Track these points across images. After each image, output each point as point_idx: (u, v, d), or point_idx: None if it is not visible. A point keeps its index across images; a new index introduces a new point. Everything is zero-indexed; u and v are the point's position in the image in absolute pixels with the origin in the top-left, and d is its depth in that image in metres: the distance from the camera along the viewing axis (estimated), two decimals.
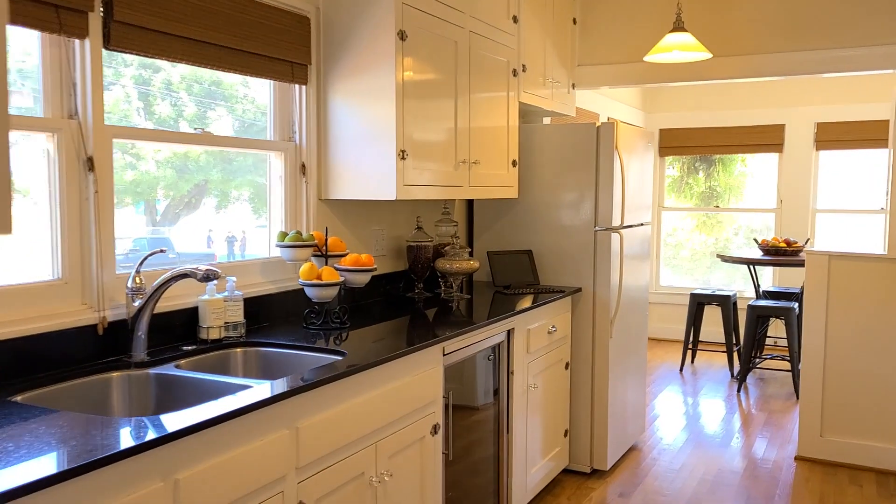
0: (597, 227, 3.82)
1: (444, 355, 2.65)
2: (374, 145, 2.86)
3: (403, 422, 2.39)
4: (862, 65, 3.95)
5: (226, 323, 2.42)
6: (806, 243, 5.92)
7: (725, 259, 5.90)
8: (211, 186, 2.73)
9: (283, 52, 2.73)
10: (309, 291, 2.56)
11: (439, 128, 3.12)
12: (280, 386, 1.88)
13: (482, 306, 3.29)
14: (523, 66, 3.85)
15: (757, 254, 5.95)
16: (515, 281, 3.82)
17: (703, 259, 7.69)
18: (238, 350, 2.38)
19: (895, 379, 3.98)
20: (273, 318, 2.76)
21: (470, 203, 4.20)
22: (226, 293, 2.44)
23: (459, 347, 2.76)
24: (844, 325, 4.08)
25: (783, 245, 5.85)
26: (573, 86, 4.56)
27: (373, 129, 2.86)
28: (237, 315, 2.45)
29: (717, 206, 7.43)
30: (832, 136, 6.74)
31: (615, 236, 3.83)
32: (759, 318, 5.65)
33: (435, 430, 2.58)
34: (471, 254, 4.16)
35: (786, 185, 6.96)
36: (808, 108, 6.81)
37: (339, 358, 2.26)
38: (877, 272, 3.98)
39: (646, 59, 3.87)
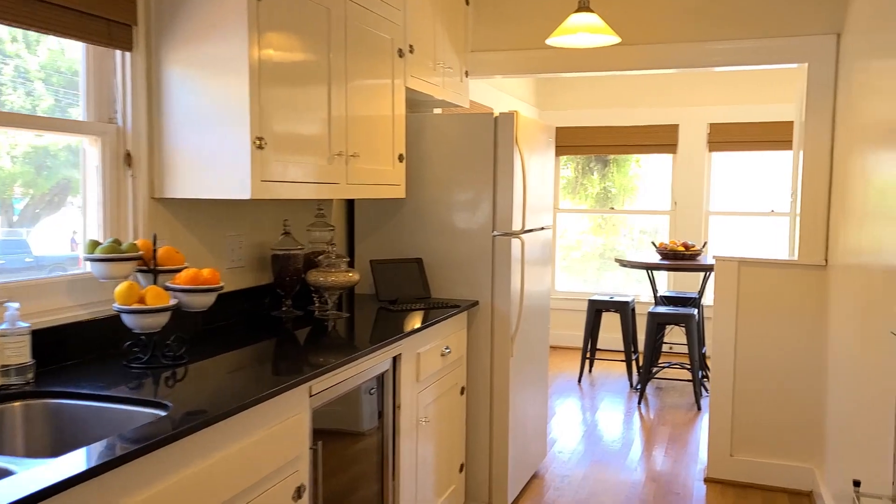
0: (495, 232, 3.36)
1: (311, 396, 2.09)
2: (222, 130, 2.27)
3: (255, 490, 1.81)
4: (774, 57, 3.69)
5: (4, 366, 1.77)
6: (703, 247, 5.74)
7: (624, 264, 5.62)
8: (74, 185, 2.28)
9: (97, 5, 2.09)
10: (127, 319, 1.94)
11: (309, 112, 2.56)
12: (53, 471, 1.27)
13: (363, 327, 2.75)
14: (410, 46, 3.34)
15: (655, 258, 5.71)
16: (403, 294, 3.30)
17: (593, 261, 7.46)
18: (16, 405, 1.73)
19: (806, 393, 3.75)
20: (84, 354, 2.11)
21: (350, 204, 3.65)
22: (5, 325, 1.79)
23: (333, 384, 2.21)
24: (754, 336, 3.81)
25: (681, 249, 5.63)
26: (466, 73, 4.10)
27: (220, 109, 2.26)
28: (22, 354, 1.80)
29: (613, 208, 7.20)
30: (724, 137, 6.63)
31: (516, 242, 3.39)
32: (659, 325, 5.40)
33: (299, 493, 2.02)
34: (350, 263, 3.61)
35: (680, 187, 6.81)
36: (701, 108, 6.67)
37: (161, 413, 1.66)
38: (787, 279, 3.73)
39: (549, 41, 3.45)
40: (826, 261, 3.64)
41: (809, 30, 3.63)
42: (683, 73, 6.65)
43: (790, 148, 6.40)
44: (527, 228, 3.55)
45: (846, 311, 3.08)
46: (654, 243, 5.86)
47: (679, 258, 5.58)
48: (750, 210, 6.76)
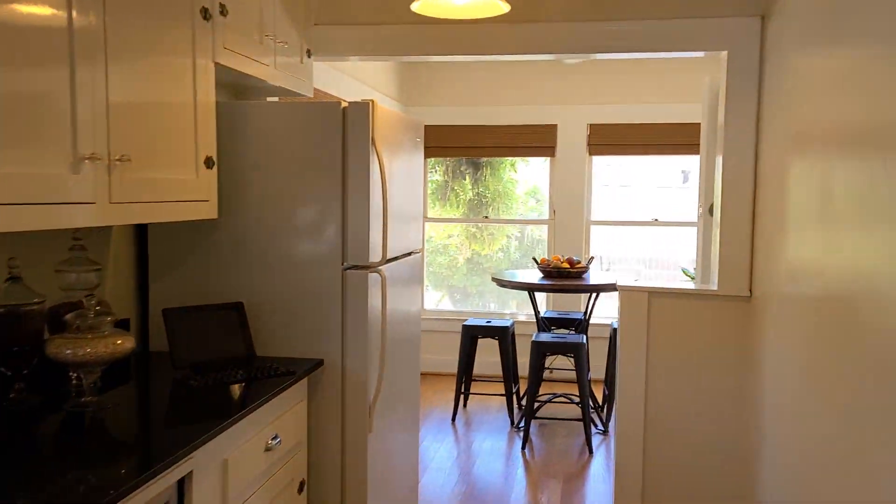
0: (346, 265, 2.47)
1: None
2: None
3: None
4: (686, 42, 3.03)
5: None
6: (590, 262, 5.11)
7: (503, 284, 4.89)
8: None
9: None
10: None
11: (29, 95, 1.55)
12: None
13: (142, 422, 1.78)
14: (222, 6, 2.38)
15: (536, 275, 5.02)
16: (213, 356, 2.33)
17: (461, 267, 6.74)
18: None
19: (732, 452, 3.11)
20: None
21: (142, 230, 2.63)
22: None
23: None
24: (669, 382, 3.14)
25: (566, 266, 4.96)
26: (309, 53, 3.17)
27: None
28: None
29: (487, 217, 6.48)
30: (605, 139, 6.05)
31: (375, 278, 2.50)
32: (544, 354, 4.69)
33: None
34: (142, 317, 2.58)
35: (559, 194, 6.17)
36: (581, 106, 6.06)
37: None
38: (706, 312, 3.08)
39: (414, 6, 2.60)
40: (751, 291, 3.01)
41: (728, 10, 2.99)
42: (564, 68, 6.03)
43: (681, 152, 5.92)
44: (390, 257, 2.68)
45: (796, 356, 2.42)
46: (535, 259, 5.17)
47: (564, 276, 4.91)
48: (632, 219, 6.24)
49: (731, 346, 3.06)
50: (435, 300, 6.74)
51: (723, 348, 3.07)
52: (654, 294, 3.10)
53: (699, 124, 5.57)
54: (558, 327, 5.41)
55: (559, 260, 5.04)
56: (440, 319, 6.36)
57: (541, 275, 5.02)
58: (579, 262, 5.00)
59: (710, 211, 3.50)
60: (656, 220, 6.12)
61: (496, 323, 5.09)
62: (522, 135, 6.15)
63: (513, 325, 5.13)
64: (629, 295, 3.13)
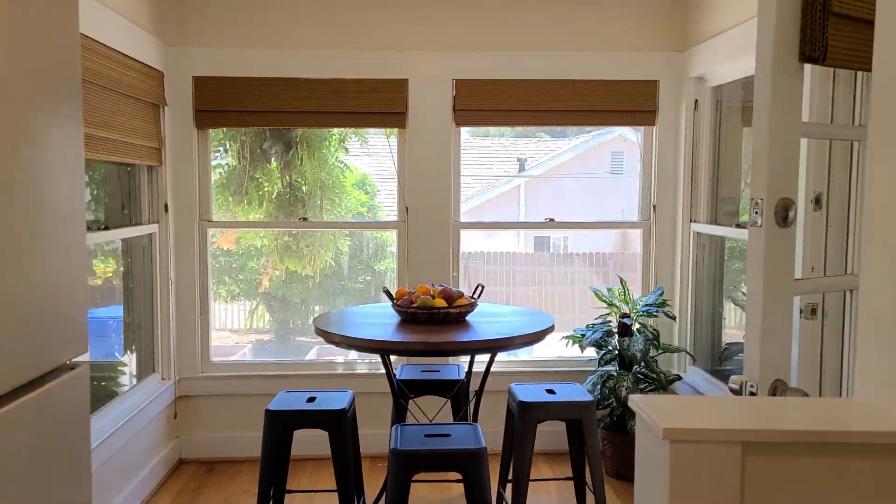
0: None
1: None
2: None
3: None
4: None
5: None
6: (477, 294, 3.14)
7: (335, 341, 2.82)
8: None
9: None
10: None
11: None
12: None
13: None
14: None
15: (389, 316, 3.03)
16: None
17: (274, 282, 4.65)
18: None
19: None
20: None
21: None
22: None
23: None
24: None
25: (441, 303, 2.97)
26: None
27: None
28: None
29: (305, 220, 4.32)
30: (480, 101, 4.10)
31: None
32: (415, 469, 2.67)
33: None
34: None
35: (414, 185, 4.14)
36: (442, 54, 4.08)
37: None
38: (868, 480, 1.20)
39: None
40: None
41: None
42: None
43: (605, 122, 4.12)
44: None
45: None
46: (388, 292, 3.13)
47: (438, 321, 2.93)
48: (517, 221, 4.39)
49: None
50: (245, 311, 4.65)
51: None
52: (756, 448, 1.17)
53: (635, 82, 3.86)
54: (421, 393, 3.42)
55: (428, 292, 3.04)
56: (236, 377, 4.12)
57: (398, 317, 3.02)
58: (461, 296, 3.03)
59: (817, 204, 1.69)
60: (552, 219, 4.28)
61: (323, 403, 2.98)
62: (357, 94, 4.05)
63: (352, 404, 3.05)
64: (692, 451, 1.16)
